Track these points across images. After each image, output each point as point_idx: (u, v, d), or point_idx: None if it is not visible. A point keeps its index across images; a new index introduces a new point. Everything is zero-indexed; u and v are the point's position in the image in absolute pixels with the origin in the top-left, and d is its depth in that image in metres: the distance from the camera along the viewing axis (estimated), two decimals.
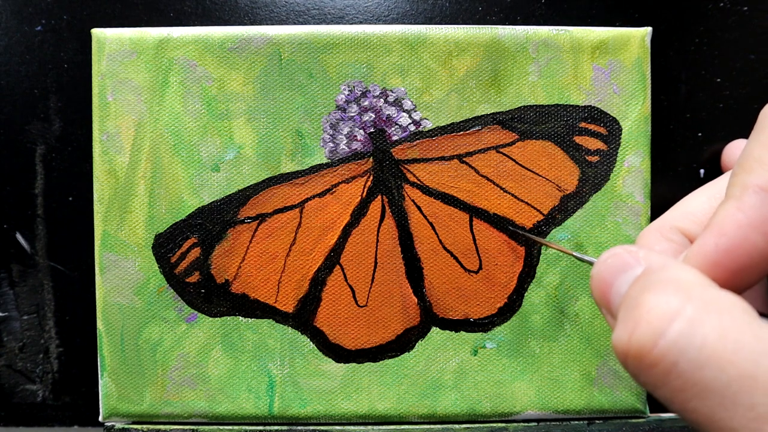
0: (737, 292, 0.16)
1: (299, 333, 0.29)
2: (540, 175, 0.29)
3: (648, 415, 0.30)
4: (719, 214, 0.16)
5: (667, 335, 0.13)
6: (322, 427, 0.30)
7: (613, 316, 0.16)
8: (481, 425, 0.30)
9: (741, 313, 0.14)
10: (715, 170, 0.32)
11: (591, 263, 0.18)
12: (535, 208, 0.29)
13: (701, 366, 0.13)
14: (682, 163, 0.32)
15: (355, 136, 0.29)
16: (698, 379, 0.13)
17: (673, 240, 0.19)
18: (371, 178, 0.29)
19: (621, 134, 0.29)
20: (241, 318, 0.29)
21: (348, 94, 0.29)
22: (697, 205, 0.19)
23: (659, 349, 0.14)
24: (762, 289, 0.19)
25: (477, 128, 0.29)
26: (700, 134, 0.32)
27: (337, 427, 0.30)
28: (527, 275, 0.29)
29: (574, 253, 0.23)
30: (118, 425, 0.30)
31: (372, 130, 0.29)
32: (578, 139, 0.29)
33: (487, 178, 0.29)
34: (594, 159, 0.29)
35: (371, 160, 0.29)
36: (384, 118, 0.29)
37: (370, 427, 0.30)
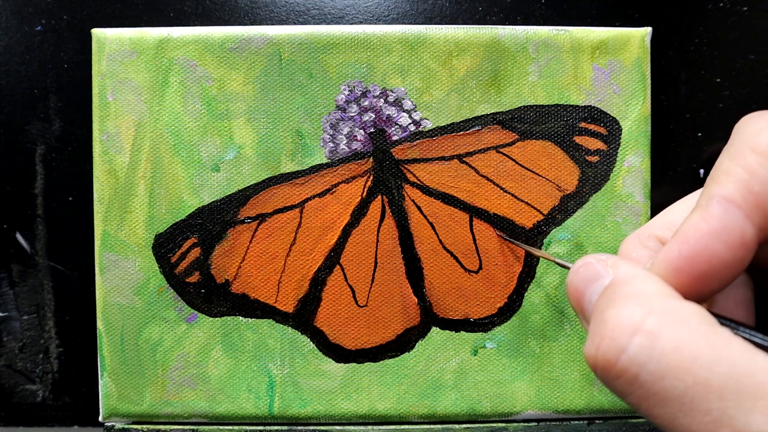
0: (703, 298, 0.17)
1: (299, 333, 0.29)
2: (540, 175, 0.29)
3: None
4: (685, 223, 0.17)
5: (629, 350, 0.15)
6: (322, 427, 0.30)
7: (588, 323, 0.18)
8: (481, 425, 0.30)
9: (698, 322, 0.15)
10: None
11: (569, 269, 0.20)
12: (535, 208, 0.29)
13: (660, 376, 0.14)
14: (682, 163, 0.32)
15: (355, 136, 0.29)
16: (658, 388, 0.14)
17: (649, 247, 0.20)
18: (371, 178, 0.29)
19: (621, 134, 0.29)
20: (241, 318, 0.29)
21: (348, 94, 0.29)
22: (676, 214, 0.20)
23: (622, 362, 0.15)
24: (741, 294, 0.19)
25: (477, 128, 0.29)
26: (700, 134, 0.32)
27: (337, 427, 0.30)
28: (527, 275, 0.29)
29: (556, 260, 0.24)
30: (118, 425, 0.30)
31: (372, 130, 0.29)
32: (578, 139, 0.29)
33: (487, 178, 0.29)
34: (594, 159, 0.29)
35: (371, 160, 0.29)
36: (384, 118, 0.29)
37: (370, 427, 0.30)
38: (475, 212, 0.29)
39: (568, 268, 0.19)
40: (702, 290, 0.17)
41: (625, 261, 0.18)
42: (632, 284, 0.16)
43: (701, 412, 0.13)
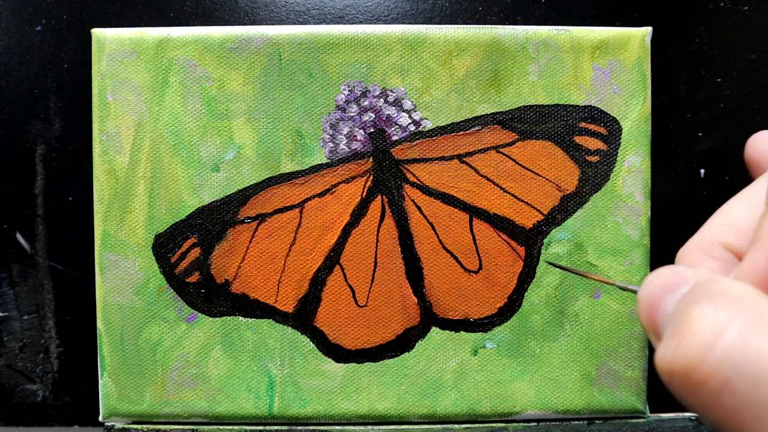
0: None
1: (299, 333, 0.29)
2: (540, 175, 0.29)
3: (648, 415, 0.30)
4: (765, 226, 0.15)
5: (717, 348, 0.12)
6: (322, 427, 0.30)
7: (660, 340, 0.15)
8: (481, 425, 0.30)
9: None
10: (716, 170, 0.32)
11: (635, 291, 0.17)
12: (535, 208, 0.29)
13: (758, 382, 0.11)
14: (682, 163, 0.32)
15: (355, 136, 0.29)
16: (755, 397, 0.11)
17: (717, 257, 0.17)
18: (371, 178, 0.29)
19: (621, 134, 0.29)
20: (241, 318, 0.29)
21: (348, 94, 0.29)
22: (737, 215, 0.17)
23: (708, 364, 0.12)
24: None
25: (477, 128, 0.29)
26: (700, 134, 0.32)
27: (337, 427, 0.30)
28: (527, 275, 0.29)
29: (617, 283, 0.21)
30: (118, 425, 0.30)
31: (372, 130, 0.29)
32: (578, 139, 0.29)
33: (487, 178, 0.29)
34: (594, 159, 0.29)
35: (371, 160, 0.29)
36: (384, 118, 0.29)
37: (370, 427, 0.30)
38: (475, 212, 0.29)
39: (635, 291, 0.17)
40: None
41: (703, 270, 0.15)
42: (718, 284, 0.14)
43: None
